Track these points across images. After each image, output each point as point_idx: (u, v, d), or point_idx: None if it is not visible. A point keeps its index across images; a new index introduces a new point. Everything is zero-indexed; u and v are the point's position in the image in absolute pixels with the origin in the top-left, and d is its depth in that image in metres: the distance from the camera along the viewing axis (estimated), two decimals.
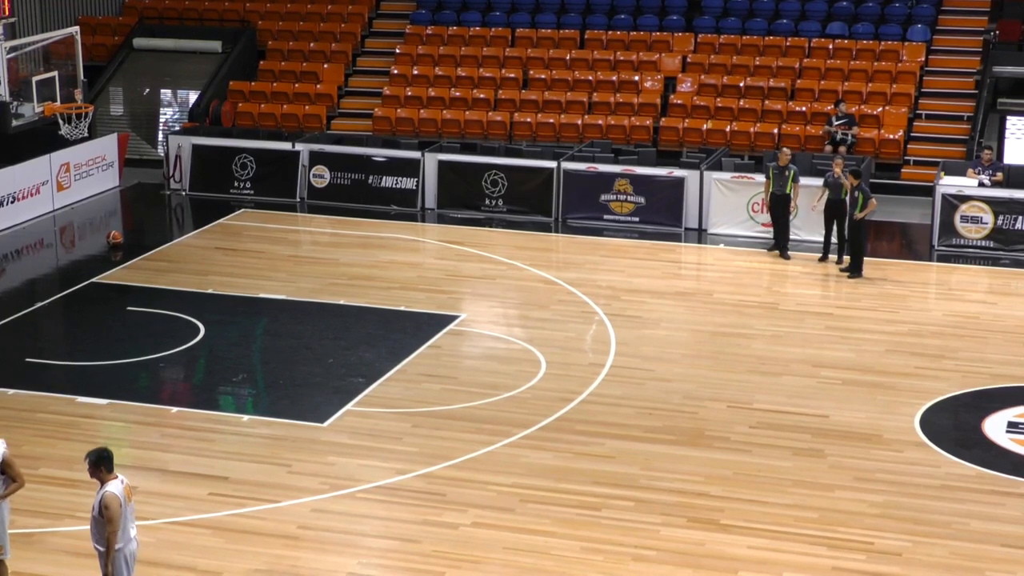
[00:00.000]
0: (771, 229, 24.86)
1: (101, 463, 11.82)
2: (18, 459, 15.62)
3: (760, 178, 25.42)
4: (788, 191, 24.31)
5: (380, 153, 28.11)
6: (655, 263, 24.30)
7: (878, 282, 23.08)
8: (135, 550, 11.98)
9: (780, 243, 24.59)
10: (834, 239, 23.95)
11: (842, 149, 27.87)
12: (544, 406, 17.68)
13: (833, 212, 23.79)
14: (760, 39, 31.40)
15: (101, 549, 11.81)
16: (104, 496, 11.71)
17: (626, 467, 15.96)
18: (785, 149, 24.92)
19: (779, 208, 24.51)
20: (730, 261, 24.40)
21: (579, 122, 29.90)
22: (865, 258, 23.33)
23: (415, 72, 31.83)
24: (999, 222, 24.79)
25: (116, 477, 11.85)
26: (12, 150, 26.60)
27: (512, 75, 31.37)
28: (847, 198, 23.47)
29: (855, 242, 23.19)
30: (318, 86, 31.89)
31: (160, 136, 31.70)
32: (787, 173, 24.31)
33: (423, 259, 24.64)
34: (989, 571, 13.74)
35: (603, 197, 26.49)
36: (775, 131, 28.82)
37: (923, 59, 30.47)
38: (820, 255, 24.16)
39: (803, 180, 25.07)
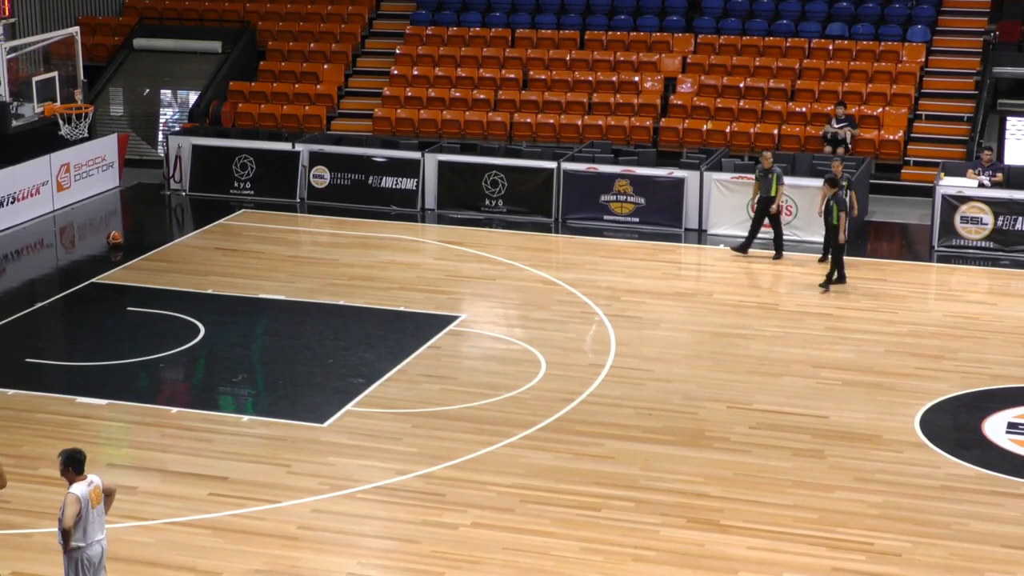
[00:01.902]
0: (771, 230, 24.86)
1: (70, 464, 11.88)
2: (18, 459, 15.72)
3: None
4: (772, 194, 24.28)
5: (380, 153, 28.11)
6: (655, 264, 24.30)
7: (878, 282, 23.09)
8: (97, 554, 11.92)
9: (776, 245, 24.59)
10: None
11: (840, 150, 27.88)
12: (544, 407, 17.68)
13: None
14: (760, 40, 31.40)
15: (62, 545, 11.84)
16: (66, 497, 11.78)
17: (626, 467, 15.97)
18: (767, 152, 24.87)
19: (765, 211, 24.53)
20: (730, 262, 24.38)
21: (579, 123, 29.90)
22: (866, 259, 23.34)
23: (415, 73, 31.83)
24: (999, 223, 24.79)
25: (84, 479, 11.88)
26: (12, 150, 26.60)
27: (512, 76, 31.37)
28: (846, 198, 23.56)
29: (836, 250, 22.78)
30: (318, 86, 31.90)
31: (160, 136, 31.70)
32: (770, 176, 24.30)
33: (423, 259, 24.64)
34: (989, 572, 13.75)
35: (603, 198, 26.49)
36: (775, 132, 28.82)
37: (923, 60, 30.48)
38: (820, 255, 24.17)
39: (803, 181, 25.11)
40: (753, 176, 25.09)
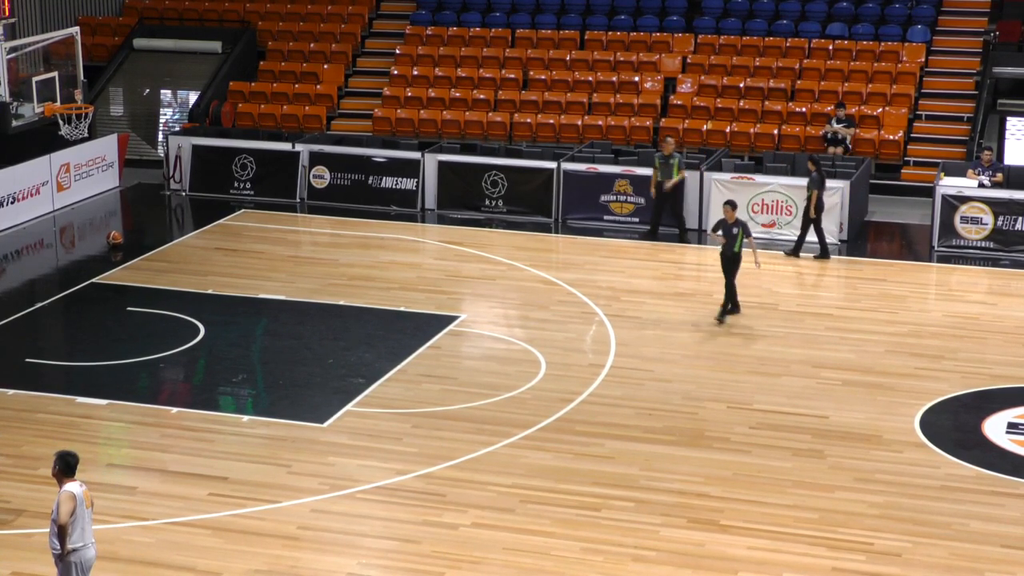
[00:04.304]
0: (771, 230, 24.91)
1: (58, 464, 11.95)
2: (18, 459, 15.75)
3: (759, 178, 25.52)
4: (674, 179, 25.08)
5: (380, 154, 28.11)
6: (655, 264, 24.30)
7: (878, 282, 23.09)
8: (91, 557, 11.95)
9: (654, 229, 25.53)
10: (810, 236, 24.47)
11: (839, 150, 27.93)
12: (544, 407, 17.68)
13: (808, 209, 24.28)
14: (760, 40, 31.40)
15: (56, 550, 11.85)
16: (60, 495, 11.81)
17: (626, 468, 15.97)
18: (668, 138, 25.60)
19: (663, 197, 25.24)
20: None
21: (579, 123, 29.90)
22: (866, 259, 23.32)
23: (415, 73, 31.83)
24: (999, 223, 24.79)
25: (74, 481, 11.94)
26: (12, 150, 26.60)
27: (512, 76, 31.37)
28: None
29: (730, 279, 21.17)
30: (318, 87, 31.90)
31: (160, 136, 31.70)
32: (671, 162, 24.93)
33: (423, 260, 24.64)
34: (989, 572, 13.75)
35: (603, 198, 26.49)
36: (775, 132, 28.82)
37: (923, 60, 30.48)
38: (817, 253, 24.27)
39: (803, 181, 25.11)
40: (759, 175, 25.20)
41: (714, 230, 21.25)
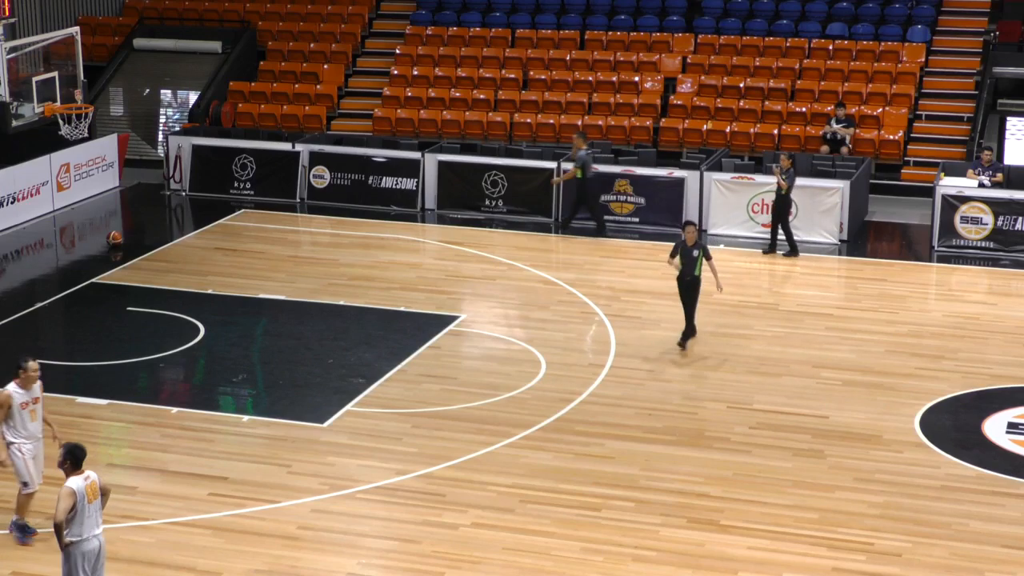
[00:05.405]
0: (771, 229, 24.95)
1: (68, 458, 12.09)
2: None
3: (759, 178, 25.57)
4: (580, 176, 25.77)
5: (380, 154, 28.11)
6: (655, 264, 24.27)
7: (878, 283, 23.09)
8: (93, 549, 12.04)
9: (567, 218, 26.36)
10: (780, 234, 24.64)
11: (844, 150, 27.94)
12: (544, 407, 17.68)
13: (781, 207, 24.46)
14: (760, 40, 31.40)
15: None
16: (60, 491, 11.92)
17: (626, 468, 15.97)
18: (576, 134, 26.46)
19: (581, 190, 26.06)
20: (730, 261, 24.33)
21: (579, 123, 29.88)
22: (866, 259, 23.29)
23: (415, 73, 31.83)
24: (999, 223, 24.79)
25: (81, 473, 12.03)
26: (12, 150, 26.60)
27: (512, 76, 31.37)
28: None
29: (691, 305, 19.83)
30: (318, 87, 31.90)
31: (160, 136, 31.70)
32: (576, 158, 25.99)
33: (423, 259, 24.64)
34: (989, 572, 13.75)
35: (603, 198, 26.47)
36: (775, 132, 28.82)
37: (923, 60, 30.48)
38: (766, 248, 24.78)
39: (803, 181, 25.09)
40: (759, 175, 25.23)
41: (672, 256, 19.48)
